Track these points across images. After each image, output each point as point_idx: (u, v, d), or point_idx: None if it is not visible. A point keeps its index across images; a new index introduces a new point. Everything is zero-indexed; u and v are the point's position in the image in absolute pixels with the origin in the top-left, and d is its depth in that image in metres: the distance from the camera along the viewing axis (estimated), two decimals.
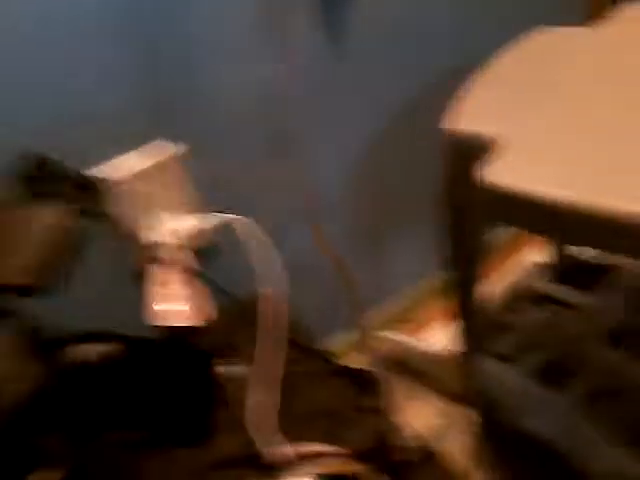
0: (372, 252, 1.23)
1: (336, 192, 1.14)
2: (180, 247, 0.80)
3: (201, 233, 0.84)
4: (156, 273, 0.78)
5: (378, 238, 1.22)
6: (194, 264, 0.80)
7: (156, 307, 0.75)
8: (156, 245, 0.80)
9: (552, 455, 0.92)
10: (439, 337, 1.14)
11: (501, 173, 0.65)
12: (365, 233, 1.20)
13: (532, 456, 0.96)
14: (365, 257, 1.23)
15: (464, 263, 0.87)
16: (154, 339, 0.77)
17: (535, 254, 1.30)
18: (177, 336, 0.81)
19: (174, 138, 0.87)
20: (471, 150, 0.70)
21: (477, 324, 0.96)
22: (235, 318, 0.86)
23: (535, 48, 0.85)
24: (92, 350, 0.74)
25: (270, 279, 0.78)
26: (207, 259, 0.87)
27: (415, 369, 1.16)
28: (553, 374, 1.05)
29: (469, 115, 0.75)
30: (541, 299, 1.20)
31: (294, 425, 0.72)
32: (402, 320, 1.29)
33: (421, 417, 1.07)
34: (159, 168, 0.86)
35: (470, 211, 0.76)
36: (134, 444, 0.72)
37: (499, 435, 1.01)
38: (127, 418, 0.73)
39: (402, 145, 1.20)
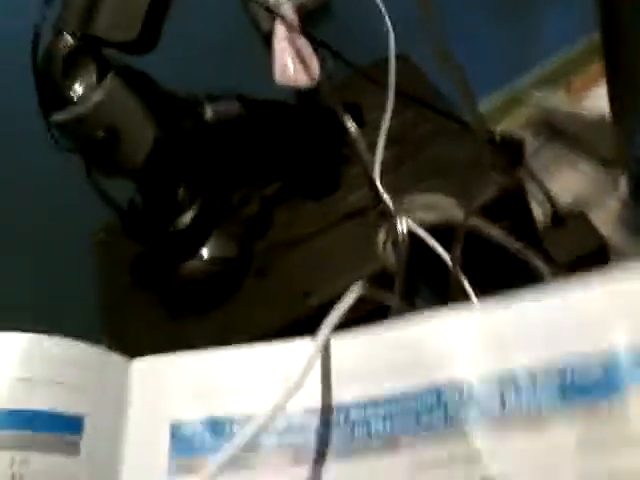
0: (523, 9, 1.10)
1: None
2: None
3: None
4: (281, 31, 0.76)
5: None
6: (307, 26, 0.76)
7: (284, 64, 0.74)
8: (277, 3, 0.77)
9: None
10: (595, 101, 1.03)
11: None
12: None
13: None
14: (515, 15, 1.10)
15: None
16: (279, 100, 0.77)
17: None
18: (302, 95, 0.80)
19: None
20: None
21: (635, 82, 0.84)
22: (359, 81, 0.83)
23: None
24: (227, 108, 0.74)
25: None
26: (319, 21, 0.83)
27: (567, 133, 1.08)
28: None
29: None
30: None
31: (419, 179, 0.71)
32: (556, 82, 1.17)
33: (569, 184, 1.02)
34: None
35: None
36: (265, 196, 0.77)
37: None
38: (257, 173, 0.76)
39: None
